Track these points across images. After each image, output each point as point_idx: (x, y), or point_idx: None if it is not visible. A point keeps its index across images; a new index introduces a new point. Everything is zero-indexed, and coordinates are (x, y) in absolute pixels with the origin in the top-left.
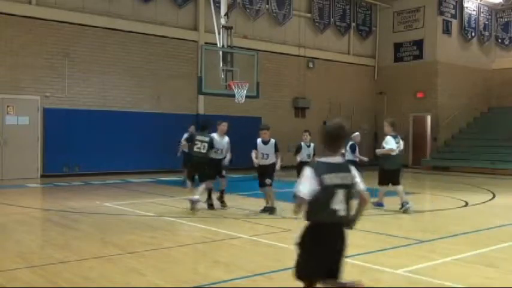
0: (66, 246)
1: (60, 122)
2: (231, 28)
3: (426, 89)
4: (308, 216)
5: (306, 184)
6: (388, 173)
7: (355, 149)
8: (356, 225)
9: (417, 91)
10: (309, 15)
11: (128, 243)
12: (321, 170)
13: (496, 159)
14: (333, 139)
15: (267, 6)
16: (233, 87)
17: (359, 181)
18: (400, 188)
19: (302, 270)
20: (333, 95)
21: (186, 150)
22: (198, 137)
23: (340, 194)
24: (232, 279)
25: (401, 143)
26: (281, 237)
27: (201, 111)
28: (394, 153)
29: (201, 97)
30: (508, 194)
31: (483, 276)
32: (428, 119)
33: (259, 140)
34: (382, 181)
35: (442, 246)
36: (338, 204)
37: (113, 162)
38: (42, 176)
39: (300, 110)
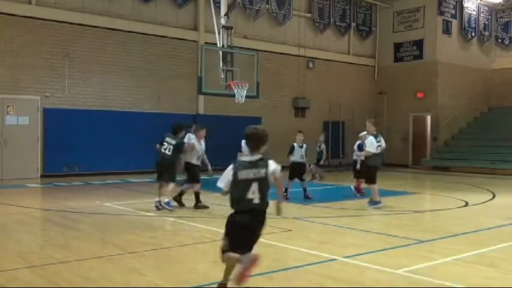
0: (66, 246)
1: (60, 122)
2: (231, 28)
3: (426, 89)
4: (231, 205)
5: (224, 178)
6: (372, 169)
7: (362, 148)
8: (282, 210)
9: (417, 91)
10: (309, 15)
11: (128, 243)
12: (235, 167)
13: (496, 159)
14: (250, 140)
15: (267, 6)
16: (233, 87)
17: (272, 169)
18: (375, 186)
19: (230, 244)
20: (333, 95)
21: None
22: (167, 139)
23: (254, 186)
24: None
25: (383, 141)
26: (281, 237)
27: (201, 111)
28: (376, 152)
29: (201, 97)
30: (508, 194)
31: (483, 276)
32: (428, 119)
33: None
34: (370, 180)
35: (442, 246)
36: (252, 194)
37: (113, 162)
38: (42, 176)
39: (300, 110)
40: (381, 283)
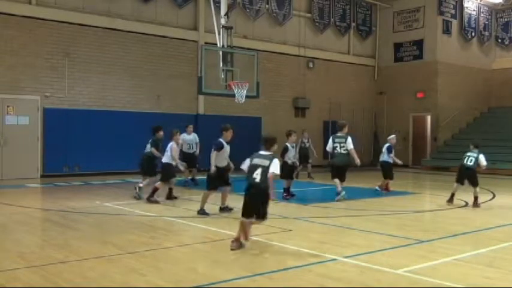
0: (66, 246)
1: (60, 122)
2: (231, 28)
3: (426, 89)
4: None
5: (245, 163)
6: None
7: (391, 150)
8: (272, 197)
9: (417, 91)
10: (309, 15)
11: (128, 243)
12: (253, 156)
13: (496, 159)
14: (265, 142)
15: (267, 6)
16: (233, 87)
17: (272, 166)
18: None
19: (243, 212)
20: (333, 95)
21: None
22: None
23: (258, 170)
24: (232, 279)
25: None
26: (281, 237)
27: (201, 111)
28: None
29: (201, 97)
30: (508, 194)
31: (483, 276)
32: (428, 119)
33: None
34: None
35: (442, 246)
36: (256, 175)
37: (113, 162)
38: (42, 176)
39: (300, 110)
40: (381, 283)
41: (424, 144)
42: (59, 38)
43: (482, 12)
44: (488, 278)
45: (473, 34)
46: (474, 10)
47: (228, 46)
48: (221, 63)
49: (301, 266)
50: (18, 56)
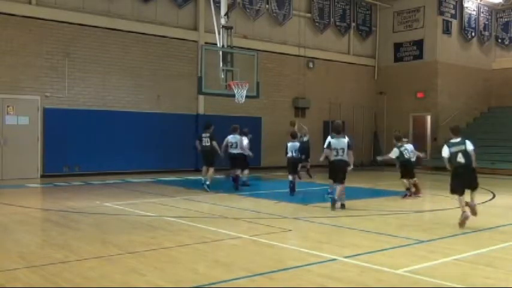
0: (66, 246)
1: (60, 122)
2: (231, 28)
3: (426, 89)
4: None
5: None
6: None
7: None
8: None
9: (417, 91)
10: (309, 15)
11: (128, 243)
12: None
13: (496, 159)
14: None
15: (267, 6)
16: (233, 87)
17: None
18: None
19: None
20: (333, 95)
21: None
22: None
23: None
24: (232, 279)
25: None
26: (281, 237)
27: (201, 111)
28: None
29: (201, 97)
30: (508, 194)
31: (483, 276)
32: (428, 119)
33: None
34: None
35: (442, 246)
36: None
37: (112, 162)
38: (42, 176)
39: (300, 110)
40: (381, 283)
41: (424, 144)
42: (59, 38)
43: (482, 12)
44: (488, 278)
45: (473, 34)
46: (474, 10)
47: (228, 46)
48: (221, 63)
49: (301, 266)
50: (18, 56)
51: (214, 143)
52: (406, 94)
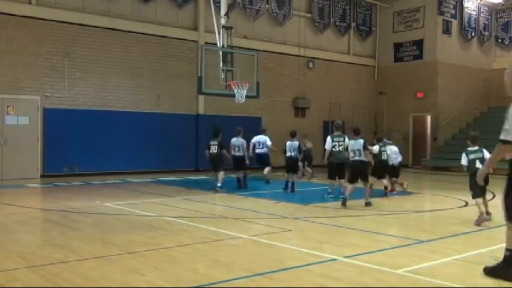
0: (66, 246)
1: (60, 122)
2: (231, 28)
3: (426, 89)
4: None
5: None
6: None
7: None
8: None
9: (417, 91)
10: (309, 15)
11: (128, 243)
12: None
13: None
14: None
15: (267, 6)
16: (233, 87)
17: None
18: (342, 181)
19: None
20: (333, 95)
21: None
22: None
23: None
24: (232, 279)
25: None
26: (281, 237)
27: (201, 111)
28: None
29: (201, 97)
30: None
31: (483, 276)
32: (428, 119)
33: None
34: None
35: (442, 246)
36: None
37: (112, 162)
38: (42, 176)
39: (300, 110)
40: (381, 283)
41: (424, 144)
42: (59, 38)
43: (482, 12)
44: (488, 278)
45: (473, 34)
46: (474, 10)
47: (228, 46)
48: (221, 63)
49: (301, 266)
50: (18, 56)
51: (224, 152)
52: (406, 94)
